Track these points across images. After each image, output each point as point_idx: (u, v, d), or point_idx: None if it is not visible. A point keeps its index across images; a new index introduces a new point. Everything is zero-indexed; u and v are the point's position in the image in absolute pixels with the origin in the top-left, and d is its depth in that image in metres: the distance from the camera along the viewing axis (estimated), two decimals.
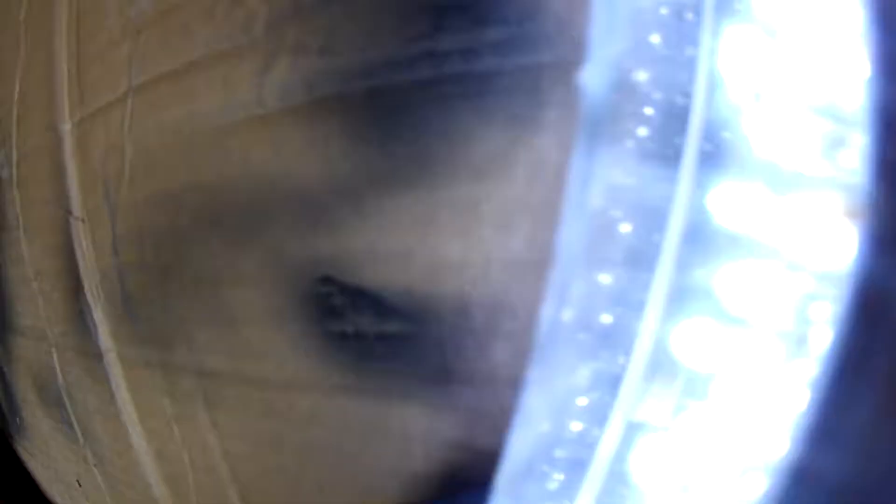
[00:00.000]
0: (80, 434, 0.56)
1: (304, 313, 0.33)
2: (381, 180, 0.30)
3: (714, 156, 0.24)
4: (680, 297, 0.25)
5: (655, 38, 0.25)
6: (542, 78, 0.27)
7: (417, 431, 0.30)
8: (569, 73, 0.27)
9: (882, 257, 0.24)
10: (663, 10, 0.24)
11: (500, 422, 0.26)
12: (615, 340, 0.25)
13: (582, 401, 0.26)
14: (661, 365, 0.25)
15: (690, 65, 0.24)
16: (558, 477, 0.26)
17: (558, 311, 0.25)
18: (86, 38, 0.47)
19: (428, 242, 0.29)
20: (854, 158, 0.24)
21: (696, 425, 0.25)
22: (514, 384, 0.27)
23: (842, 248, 0.24)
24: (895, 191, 0.24)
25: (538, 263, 0.27)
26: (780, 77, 0.25)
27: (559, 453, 0.26)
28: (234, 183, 0.35)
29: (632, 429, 0.26)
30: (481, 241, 0.28)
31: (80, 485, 0.58)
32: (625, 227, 0.25)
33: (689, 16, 0.24)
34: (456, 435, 0.29)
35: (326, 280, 0.32)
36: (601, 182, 0.24)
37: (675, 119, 0.24)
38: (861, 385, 0.24)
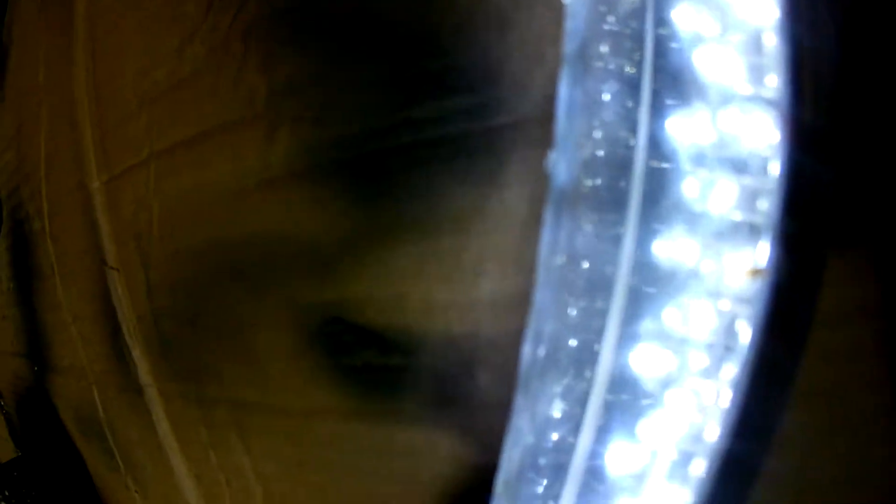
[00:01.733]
0: (121, 463, 0.60)
1: (318, 350, 0.37)
2: (375, 235, 0.34)
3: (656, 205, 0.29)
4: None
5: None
6: (504, 138, 0.31)
7: (421, 449, 0.34)
8: (525, 131, 0.31)
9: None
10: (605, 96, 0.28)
11: (490, 438, 0.31)
12: (581, 362, 0.29)
13: (557, 414, 0.30)
14: (620, 378, 0.30)
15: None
16: (543, 482, 0.31)
17: (535, 347, 0.29)
18: (106, 108, 0.52)
19: (419, 288, 0.33)
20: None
21: (652, 425, 0.30)
22: (500, 406, 0.31)
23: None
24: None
25: (512, 302, 0.32)
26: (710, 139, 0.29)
27: (542, 461, 0.30)
28: (250, 240, 0.39)
29: (602, 432, 0.30)
30: (463, 286, 0.32)
31: None
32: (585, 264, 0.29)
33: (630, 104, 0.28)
34: (454, 451, 0.33)
35: (336, 321, 0.36)
36: (565, 243, 0.29)
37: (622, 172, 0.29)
38: (773, 383, 0.29)
